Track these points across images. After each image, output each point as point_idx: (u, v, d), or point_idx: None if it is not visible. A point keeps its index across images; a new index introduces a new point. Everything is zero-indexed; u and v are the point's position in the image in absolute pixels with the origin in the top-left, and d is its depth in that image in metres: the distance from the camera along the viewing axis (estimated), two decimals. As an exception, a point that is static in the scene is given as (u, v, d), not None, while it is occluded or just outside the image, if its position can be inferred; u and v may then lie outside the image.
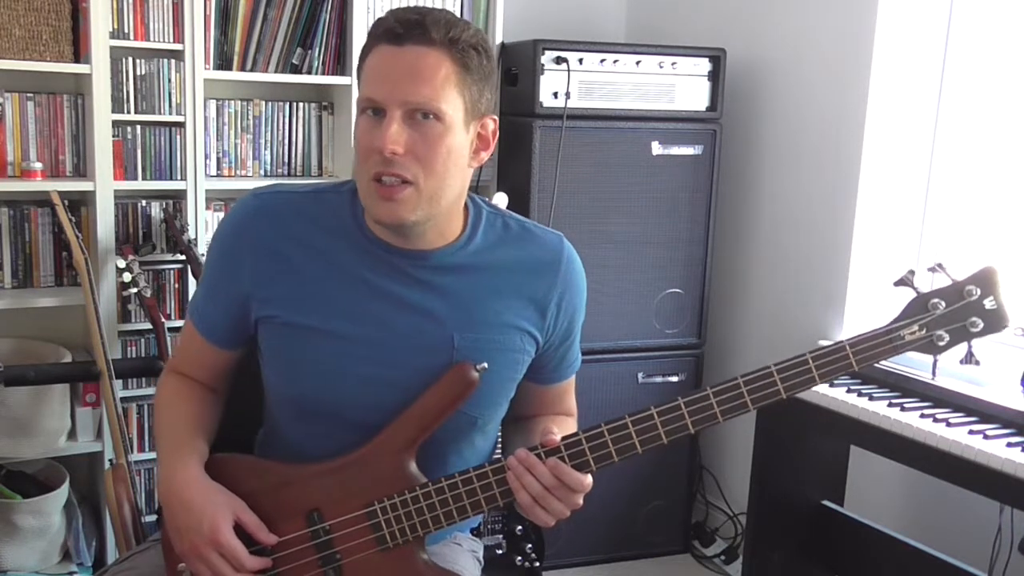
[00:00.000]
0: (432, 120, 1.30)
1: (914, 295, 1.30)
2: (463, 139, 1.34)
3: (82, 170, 2.80)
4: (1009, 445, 1.95)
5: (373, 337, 1.39)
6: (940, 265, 1.28)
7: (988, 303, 1.27)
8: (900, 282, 1.30)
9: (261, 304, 1.41)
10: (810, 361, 1.28)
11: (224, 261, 1.44)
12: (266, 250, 1.40)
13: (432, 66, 1.29)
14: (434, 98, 1.29)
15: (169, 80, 2.75)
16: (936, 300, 1.28)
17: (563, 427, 1.47)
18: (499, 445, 1.63)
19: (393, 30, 1.30)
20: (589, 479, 1.31)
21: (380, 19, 1.34)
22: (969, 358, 1.29)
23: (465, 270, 1.42)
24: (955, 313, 1.28)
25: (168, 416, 1.49)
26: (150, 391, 2.81)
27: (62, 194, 2.59)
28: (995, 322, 1.27)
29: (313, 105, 3.06)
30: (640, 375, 3.04)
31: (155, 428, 1.53)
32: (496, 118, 1.42)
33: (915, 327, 1.28)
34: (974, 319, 1.27)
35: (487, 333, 1.42)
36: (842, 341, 1.28)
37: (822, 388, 2.22)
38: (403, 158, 1.29)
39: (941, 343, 1.28)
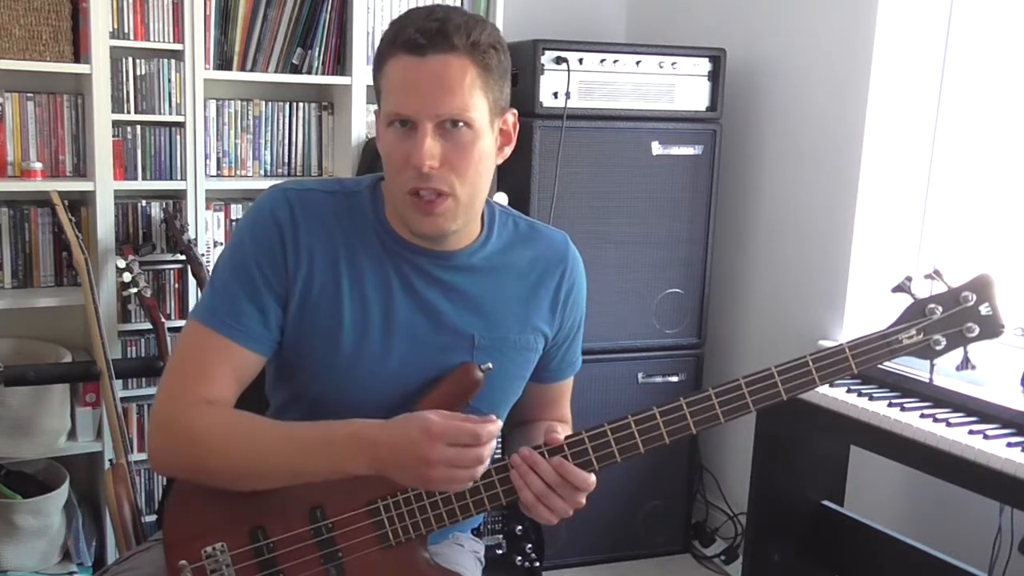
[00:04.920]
0: (462, 128, 1.31)
1: (911, 301, 1.31)
2: (490, 140, 1.36)
3: (82, 170, 2.80)
4: (1009, 445, 1.95)
5: (396, 337, 1.40)
6: (937, 272, 1.31)
7: (984, 309, 1.30)
8: (898, 288, 1.32)
9: (296, 302, 1.39)
10: (810, 363, 1.29)
11: (264, 256, 1.37)
12: (305, 244, 1.38)
13: (458, 75, 1.29)
14: (464, 107, 1.29)
15: (169, 80, 2.75)
16: (933, 305, 1.30)
17: (562, 431, 1.48)
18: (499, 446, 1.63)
19: (414, 41, 1.28)
20: (593, 478, 1.31)
21: (397, 26, 1.31)
22: (965, 363, 1.31)
23: (484, 270, 1.45)
24: (951, 318, 1.30)
25: (254, 430, 1.35)
26: (150, 391, 2.81)
27: (62, 194, 2.59)
28: (991, 328, 1.30)
29: (313, 105, 3.06)
30: (640, 375, 3.04)
31: (247, 452, 1.33)
32: (515, 111, 1.43)
33: (912, 331, 1.30)
34: (970, 324, 1.30)
35: (505, 332, 1.45)
36: (842, 344, 1.30)
37: (822, 388, 2.22)
38: (439, 171, 1.30)
39: (938, 347, 1.30)
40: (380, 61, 1.34)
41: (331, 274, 1.40)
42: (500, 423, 1.28)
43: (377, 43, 2.88)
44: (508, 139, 1.42)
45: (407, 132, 1.31)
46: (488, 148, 1.36)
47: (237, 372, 1.38)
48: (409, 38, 1.28)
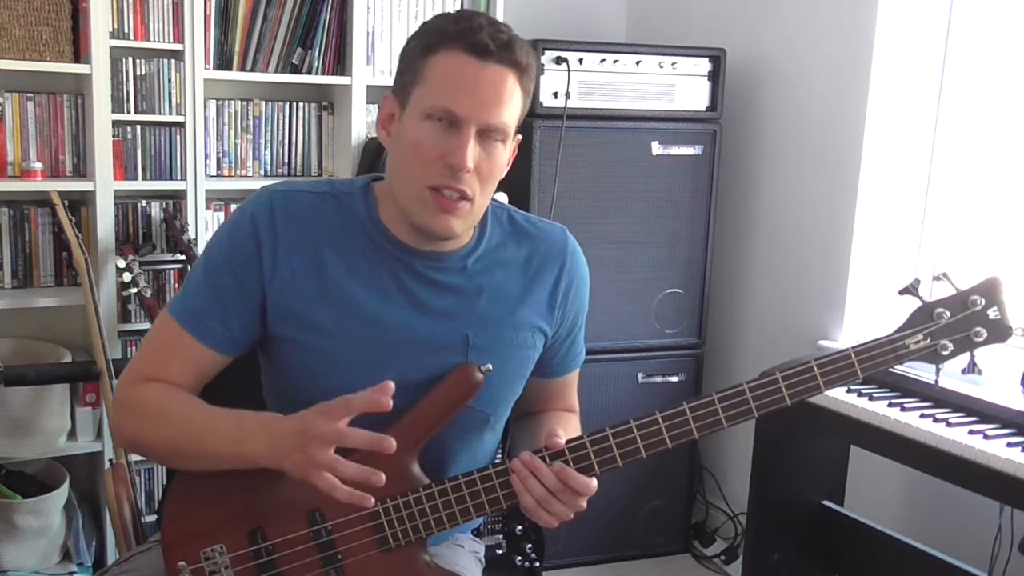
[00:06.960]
0: (497, 141, 1.34)
1: (919, 304, 1.30)
2: (507, 157, 1.40)
3: (82, 170, 2.80)
4: (1009, 445, 1.94)
5: (390, 338, 1.39)
6: (945, 274, 1.29)
7: (992, 313, 1.28)
8: (905, 291, 1.31)
9: (276, 306, 1.39)
10: (815, 369, 1.28)
11: (237, 259, 1.38)
12: (284, 249, 1.38)
13: (510, 90, 1.33)
14: (507, 121, 1.34)
15: (169, 80, 2.75)
16: (941, 310, 1.29)
17: (567, 425, 1.49)
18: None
19: (484, 45, 1.30)
20: (594, 483, 1.31)
21: (462, 24, 1.32)
22: (971, 368, 1.30)
23: (478, 269, 1.45)
24: (959, 323, 1.29)
25: (190, 409, 1.38)
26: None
27: (62, 194, 2.59)
28: (999, 332, 1.29)
29: (313, 105, 3.06)
30: (640, 375, 3.04)
31: (178, 428, 1.36)
32: (520, 138, 1.45)
33: (919, 336, 1.29)
34: (978, 329, 1.28)
35: (501, 331, 1.44)
36: (847, 349, 1.29)
37: (822, 389, 2.22)
38: (469, 174, 1.32)
39: (945, 352, 1.29)
40: (430, 49, 1.33)
41: (316, 276, 1.39)
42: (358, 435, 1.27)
43: (375, 42, 2.93)
44: (508, 161, 1.45)
45: (448, 129, 1.32)
46: (505, 163, 1.40)
47: (195, 366, 1.41)
48: (478, 40, 1.30)
